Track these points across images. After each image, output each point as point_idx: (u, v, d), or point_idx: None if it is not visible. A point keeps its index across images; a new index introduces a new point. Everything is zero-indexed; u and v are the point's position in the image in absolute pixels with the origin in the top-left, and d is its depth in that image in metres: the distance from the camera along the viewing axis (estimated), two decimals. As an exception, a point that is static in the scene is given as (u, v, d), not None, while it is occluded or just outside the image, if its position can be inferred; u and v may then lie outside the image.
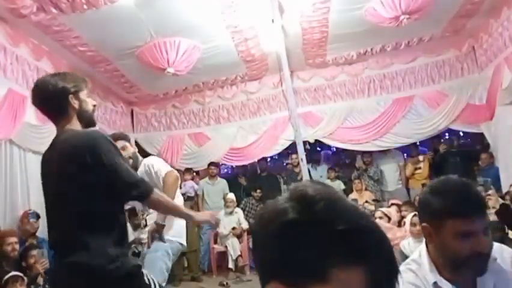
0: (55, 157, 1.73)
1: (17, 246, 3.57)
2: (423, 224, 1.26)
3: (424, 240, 1.31)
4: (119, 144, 2.59)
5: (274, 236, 0.55)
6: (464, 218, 1.15)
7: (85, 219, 1.66)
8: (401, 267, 1.31)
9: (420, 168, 6.32)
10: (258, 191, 6.66)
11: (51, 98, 1.77)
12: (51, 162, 1.74)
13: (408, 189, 6.42)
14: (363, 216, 0.56)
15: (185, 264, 6.12)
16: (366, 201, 5.76)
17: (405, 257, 3.40)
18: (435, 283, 1.22)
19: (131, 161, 2.88)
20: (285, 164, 7.74)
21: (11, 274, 3.27)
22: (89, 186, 1.66)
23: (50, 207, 1.75)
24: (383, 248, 0.55)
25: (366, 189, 6.35)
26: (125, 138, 3.06)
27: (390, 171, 6.54)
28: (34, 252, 3.64)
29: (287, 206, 0.56)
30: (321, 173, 7.00)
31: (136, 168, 2.85)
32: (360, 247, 0.53)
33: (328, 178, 6.69)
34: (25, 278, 3.35)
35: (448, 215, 1.17)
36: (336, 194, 0.58)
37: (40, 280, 3.53)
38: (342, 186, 6.61)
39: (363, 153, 6.85)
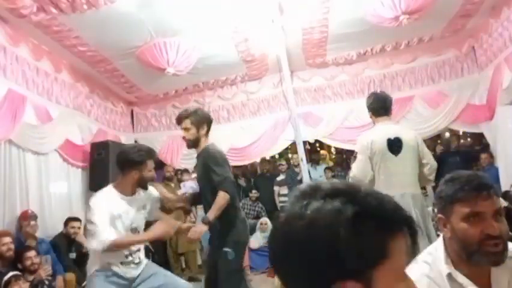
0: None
1: (12, 246, 3.56)
2: (439, 215, 1.29)
3: (442, 234, 1.33)
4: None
5: (348, 234, 0.59)
6: (469, 200, 1.18)
7: None
8: (416, 260, 1.33)
9: None
10: (254, 191, 6.68)
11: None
12: None
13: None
14: (384, 198, 0.65)
15: (183, 265, 6.12)
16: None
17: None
18: (449, 274, 1.22)
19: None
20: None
21: (12, 273, 3.27)
22: None
23: None
24: (406, 214, 0.65)
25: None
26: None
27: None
28: (31, 253, 3.62)
29: (337, 205, 0.61)
30: (321, 173, 7.02)
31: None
32: (400, 218, 0.63)
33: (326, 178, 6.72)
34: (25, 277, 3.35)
35: (455, 199, 1.21)
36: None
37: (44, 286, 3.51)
38: None
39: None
